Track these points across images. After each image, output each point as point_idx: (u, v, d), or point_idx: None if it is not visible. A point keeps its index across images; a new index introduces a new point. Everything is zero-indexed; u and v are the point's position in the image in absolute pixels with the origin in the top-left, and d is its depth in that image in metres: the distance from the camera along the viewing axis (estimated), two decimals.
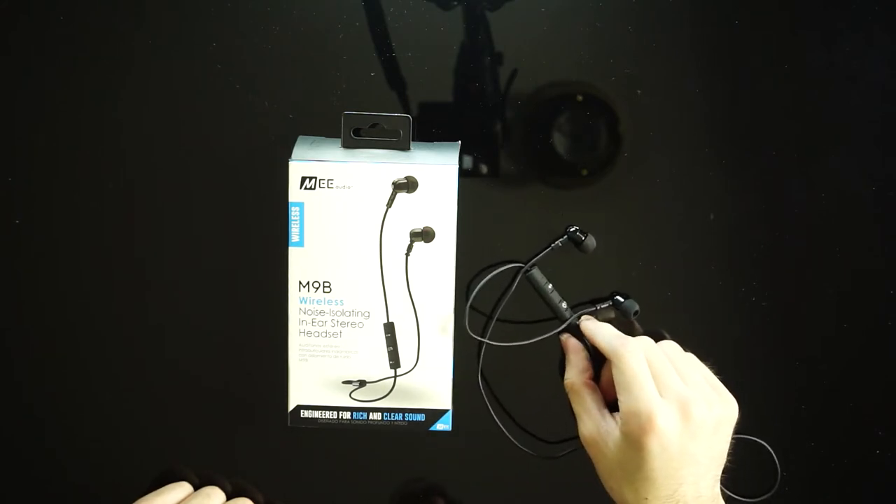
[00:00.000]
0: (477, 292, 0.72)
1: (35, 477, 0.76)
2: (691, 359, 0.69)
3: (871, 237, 0.74)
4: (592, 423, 0.67)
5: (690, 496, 0.63)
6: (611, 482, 0.66)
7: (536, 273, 0.72)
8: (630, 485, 0.64)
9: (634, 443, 0.63)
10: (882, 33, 0.71)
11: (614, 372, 0.65)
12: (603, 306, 0.73)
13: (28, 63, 0.70)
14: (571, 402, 0.70)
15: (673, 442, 0.63)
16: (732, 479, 0.69)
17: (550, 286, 0.72)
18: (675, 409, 0.63)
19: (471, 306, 0.72)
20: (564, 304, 0.73)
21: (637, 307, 0.73)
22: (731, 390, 0.67)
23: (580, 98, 0.72)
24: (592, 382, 0.70)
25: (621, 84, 0.71)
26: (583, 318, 0.72)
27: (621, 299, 0.73)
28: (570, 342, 0.72)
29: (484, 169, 0.72)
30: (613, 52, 0.71)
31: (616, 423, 0.65)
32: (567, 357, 0.72)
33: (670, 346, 0.69)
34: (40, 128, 0.71)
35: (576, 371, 0.71)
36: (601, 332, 0.69)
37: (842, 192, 0.73)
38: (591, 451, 0.68)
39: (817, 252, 0.74)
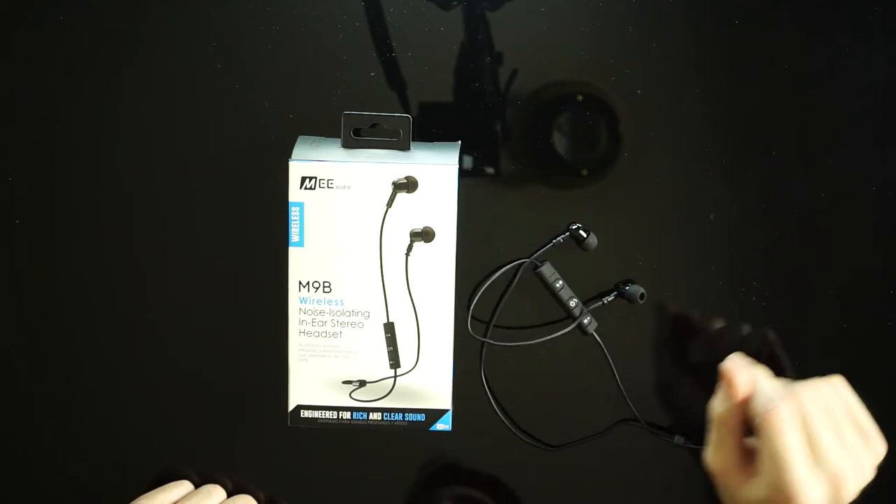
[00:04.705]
0: (476, 292, 0.72)
1: (35, 477, 0.76)
2: (845, 404, 0.62)
3: (871, 237, 0.74)
4: (725, 465, 0.62)
5: None
6: None
7: (546, 269, 0.72)
8: None
9: None
10: (882, 33, 0.71)
11: (761, 436, 0.59)
12: (609, 298, 0.73)
13: (28, 63, 0.70)
14: (713, 429, 0.63)
15: None
16: None
17: (561, 282, 0.72)
18: (826, 486, 0.58)
19: (470, 306, 0.72)
20: (574, 301, 0.72)
21: (643, 290, 0.72)
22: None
23: (580, 98, 0.72)
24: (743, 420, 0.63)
25: (621, 84, 0.71)
26: (731, 357, 0.63)
27: (626, 287, 0.73)
28: (739, 373, 0.62)
29: (484, 169, 0.72)
30: (613, 52, 0.71)
31: (753, 477, 0.60)
32: (731, 394, 0.62)
33: (825, 391, 0.61)
34: (40, 128, 0.71)
35: (733, 411, 0.62)
36: (756, 385, 0.61)
37: (842, 192, 0.73)
38: (712, 478, 0.63)
39: (817, 252, 0.74)
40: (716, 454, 0.63)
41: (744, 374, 0.62)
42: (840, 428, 0.60)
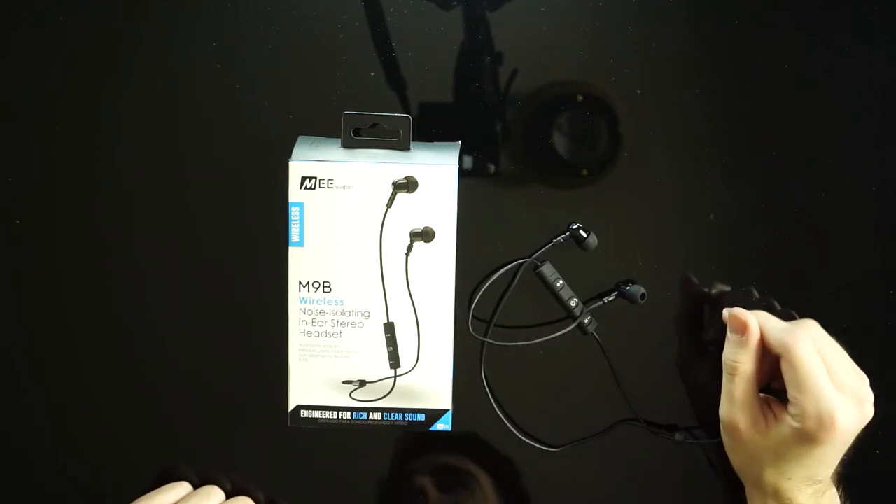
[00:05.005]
0: (477, 291, 0.72)
1: (35, 477, 0.76)
2: (830, 339, 0.66)
3: (871, 237, 0.74)
4: (748, 415, 0.64)
5: (825, 474, 0.64)
6: (750, 465, 0.65)
7: (547, 268, 0.72)
8: (776, 468, 0.63)
9: (808, 440, 0.61)
10: (882, 33, 0.71)
11: (785, 367, 0.62)
12: (610, 298, 0.73)
13: (28, 63, 0.70)
14: (728, 379, 0.65)
15: (848, 437, 0.62)
16: (731, 477, 0.69)
17: (561, 282, 0.72)
18: (853, 405, 0.62)
19: (471, 306, 0.72)
20: (575, 301, 0.73)
21: (643, 290, 0.72)
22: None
23: (580, 98, 0.72)
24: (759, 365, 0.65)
25: (621, 84, 0.71)
26: (734, 309, 0.65)
27: (626, 287, 0.73)
28: (749, 316, 0.65)
29: (484, 169, 0.72)
30: (613, 52, 0.71)
31: (778, 417, 0.63)
32: (746, 338, 0.64)
33: (818, 329, 0.65)
34: (40, 128, 0.71)
35: (751, 356, 0.64)
36: (767, 323, 0.64)
37: (842, 192, 0.73)
38: (731, 436, 0.66)
39: (817, 252, 0.74)
40: (737, 406, 0.64)
41: (752, 317, 0.64)
42: (840, 357, 0.64)
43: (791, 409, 0.62)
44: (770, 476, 0.64)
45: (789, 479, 0.64)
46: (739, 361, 0.64)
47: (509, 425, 0.74)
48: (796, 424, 0.62)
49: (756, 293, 0.73)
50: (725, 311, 0.66)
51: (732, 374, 0.65)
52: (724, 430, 0.67)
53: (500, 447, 0.75)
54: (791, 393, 0.62)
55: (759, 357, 0.65)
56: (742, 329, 0.64)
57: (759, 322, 0.65)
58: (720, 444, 0.69)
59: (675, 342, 0.74)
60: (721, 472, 0.74)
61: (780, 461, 0.64)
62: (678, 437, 0.74)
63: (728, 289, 0.73)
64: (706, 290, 0.74)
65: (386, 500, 0.76)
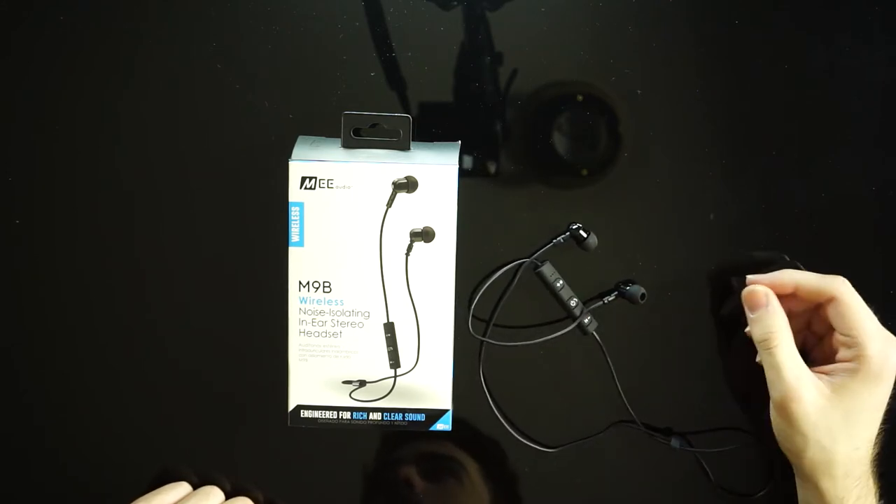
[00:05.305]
0: (477, 291, 0.72)
1: (35, 477, 0.76)
2: None
3: (871, 237, 0.74)
4: (808, 380, 0.62)
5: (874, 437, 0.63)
6: (820, 441, 0.62)
7: (547, 268, 0.72)
8: (849, 433, 0.61)
9: (872, 379, 0.61)
10: (882, 33, 0.71)
11: (832, 312, 0.62)
12: (610, 298, 0.73)
13: (28, 63, 0.70)
14: (768, 355, 0.63)
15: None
16: (731, 476, 0.69)
17: (561, 282, 0.72)
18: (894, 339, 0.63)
19: (471, 306, 0.72)
20: (575, 301, 0.73)
21: (643, 290, 0.72)
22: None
23: (580, 98, 0.72)
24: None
25: (621, 84, 0.71)
26: (747, 287, 0.66)
27: (626, 287, 0.73)
28: (767, 291, 0.64)
29: (484, 169, 0.72)
30: (613, 52, 0.71)
31: (832, 373, 0.62)
32: (769, 305, 0.64)
33: None
34: (40, 128, 0.71)
35: (783, 319, 0.63)
36: (801, 275, 0.65)
37: (842, 192, 0.73)
38: (792, 414, 0.62)
39: (817, 252, 0.74)
40: (792, 376, 0.62)
41: (764, 286, 0.65)
42: None
43: (844, 355, 0.62)
44: (844, 448, 0.61)
45: (857, 448, 0.61)
46: (775, 329, 0.63)
47: (507, 426, 0.74)
48: (855, 365, 0.61)
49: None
50: (745, 279, 0.66)
51: (772, 346, 0.63)
52: (781, 412, 0.63)
53: (498, 447, 0.75)
54: (842, 337, 0.62)
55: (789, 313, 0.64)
56: (762, 300, 0.64)
57: (789, 279, 0.65)
58: (716, 453, 0.69)
59: (675, 343, 0.74)
60: (717, 474, 0.74)
61: (851, 418, 0.61)
62: (674, 442, 0.74)
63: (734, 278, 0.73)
64: (709, 289, 0.74)
65: (384, 499, 0.76)
